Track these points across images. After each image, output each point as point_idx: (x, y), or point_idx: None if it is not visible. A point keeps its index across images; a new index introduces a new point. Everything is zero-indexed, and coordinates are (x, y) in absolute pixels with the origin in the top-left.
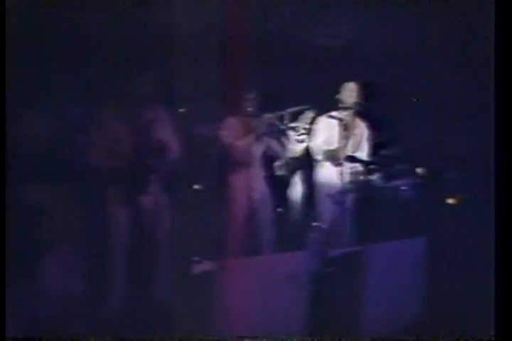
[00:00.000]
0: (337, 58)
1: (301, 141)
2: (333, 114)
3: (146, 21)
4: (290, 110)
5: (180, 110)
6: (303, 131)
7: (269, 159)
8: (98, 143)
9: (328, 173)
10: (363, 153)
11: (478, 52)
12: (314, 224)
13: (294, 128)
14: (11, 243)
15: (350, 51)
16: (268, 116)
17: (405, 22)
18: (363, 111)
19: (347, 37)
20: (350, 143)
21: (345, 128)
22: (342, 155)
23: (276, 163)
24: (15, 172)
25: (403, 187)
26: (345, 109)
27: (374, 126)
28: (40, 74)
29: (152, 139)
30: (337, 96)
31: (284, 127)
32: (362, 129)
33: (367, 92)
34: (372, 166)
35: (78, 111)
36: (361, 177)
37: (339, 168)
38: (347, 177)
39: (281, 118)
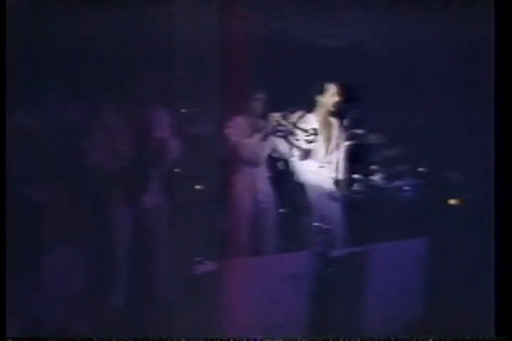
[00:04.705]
0: (341, 58)
1: (311, 142)
2: (314, 114)
3: (149, 21)
4: (294, 111)
5: (183, 110)
6: (312, 132)
7: (273, 159)
8: (100, 143)
9: (330, 174)
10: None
11: (478, 53)
12: (316, 224)
13: (302, 129)
14: (11, 242)
15: (353, 51)
16: (275, 116)
17: (404, 24)
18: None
19: (350, 38)
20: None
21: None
22: (335, 155)
23: (280, 163)
24: (15, 172)
25: (405, 188)
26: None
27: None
28: (41, 74)
29: (155, 139)
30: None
31: (291, 127)
32: (339, 129)
33: (359, 93)
34: (374, 166)
35: (80, 111)
36: (363, 178)
37: (340, 168)
38: (349, 178)
39: (288, 118)
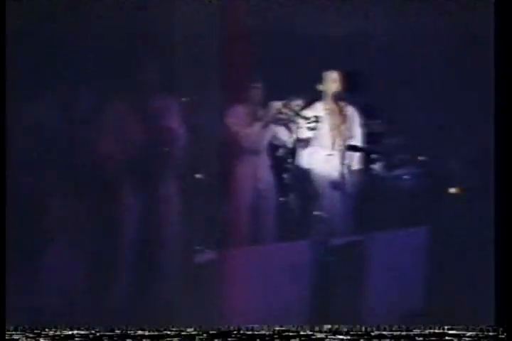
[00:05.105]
0: (343, 46)
1: (312, 129)
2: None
3: (151, 14)
4: (296, 98)
5: (183, 99)
6: (313, 119)
7: (274, 147)
8: (99, 134)
9: (330, 162)
10: (357, 141)
11: (479, 46)
12: (316, 213)
13: (304, 116)
14: (11, 241)
15: (354, 40)
16: (275, 104)
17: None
18: (353, 100)
19: (350, 26)
20: (342, 131)
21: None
22: (336, 144)
23: (280, 151)
24: (21, 164)
25: (405, 177)
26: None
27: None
28: (45, 67)
29: (154, 128)
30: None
31: (292, 115)
32: (351, 117)
33: (360, 81)
34: (374, 155)
35: (82, 102)
36: (363, 166)
37: (341, 157)
38: (349, 167)
39: (289, 106)
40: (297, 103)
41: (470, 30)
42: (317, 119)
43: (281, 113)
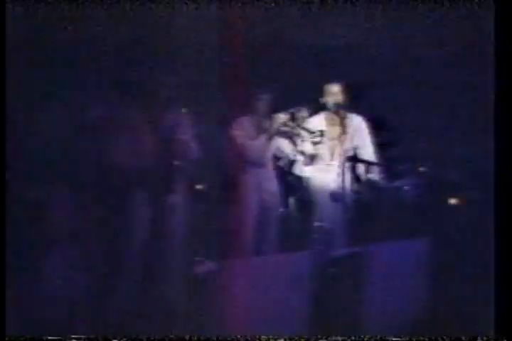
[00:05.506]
0: (345, 58)
1: (317, 143)
2: (320, 114)
3: (152, 22)
4: (299, 111)
5: (183, 110)
6: (318, 133)
7: (278, 159)
8: (101, 143)
9: (331, 174)
10: (367, 152)
11: (478, 52)
12: (317, 224)
13: (308, 130)
14: (13, 241)
15: (356, 51)
16: (280, 117)
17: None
18: (354, 111)
19: (353, 37)
20: (343, 143)
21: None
22: (337, 155)
23: (281, 163)
24: (34, 174)
25: (406, 187)
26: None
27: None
28: (48, 76)
29: (157, 139)
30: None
31: (296, 127)
32: (358, 128)
33: (361, 93)
34: (374, 166)
35: (89, 112)
36: (364, 177)
37: (342, 168)
38: (350, 178)
39: (293, 119)
40: (301, 115)
41: (471, 38)
42: (322, 133)
43: (285, 125)
